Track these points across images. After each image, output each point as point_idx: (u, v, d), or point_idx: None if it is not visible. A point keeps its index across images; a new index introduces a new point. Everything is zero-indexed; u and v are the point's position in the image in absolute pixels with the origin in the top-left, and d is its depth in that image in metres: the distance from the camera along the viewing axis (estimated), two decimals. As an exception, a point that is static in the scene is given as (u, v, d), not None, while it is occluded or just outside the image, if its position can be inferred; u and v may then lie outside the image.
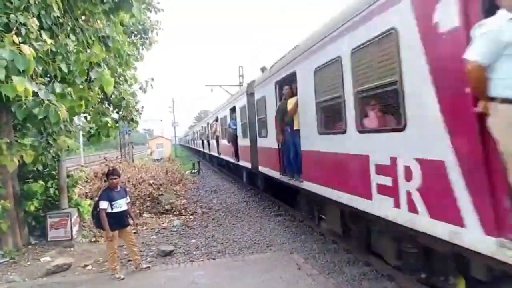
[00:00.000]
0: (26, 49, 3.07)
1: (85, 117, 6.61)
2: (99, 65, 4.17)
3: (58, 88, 3.62)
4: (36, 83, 3.46)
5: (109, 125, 6.03)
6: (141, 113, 7.98)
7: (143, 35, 8.64)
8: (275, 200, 10.13)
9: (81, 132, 9.55)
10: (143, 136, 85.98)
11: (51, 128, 3.71)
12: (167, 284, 4.81)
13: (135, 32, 8.97)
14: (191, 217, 9.23)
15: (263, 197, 11.24)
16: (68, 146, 6.05)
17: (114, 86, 6.11)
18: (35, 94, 3.35)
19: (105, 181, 10.89)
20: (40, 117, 3.25)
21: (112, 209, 5.09)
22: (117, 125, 7.60)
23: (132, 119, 7.66)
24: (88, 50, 4.08)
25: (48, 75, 3.85)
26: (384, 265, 4.84)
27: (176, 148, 48.89)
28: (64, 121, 3.64)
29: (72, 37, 4.20)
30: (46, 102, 3.30)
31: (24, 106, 3.43)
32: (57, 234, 6.90)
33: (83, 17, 4.61)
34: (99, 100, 6.51)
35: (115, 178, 5.23)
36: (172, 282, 4.88)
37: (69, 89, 3.87)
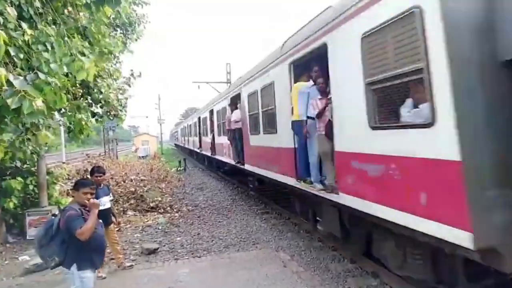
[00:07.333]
0: None
1: (64, 113, 6.41)
2: (83, 54, 4.04)
3: (42, 75, 3.49)
4: (13, 74, 3.32)
5: (83, 122, 5.82)
6: (125, 107, 7.77)
7: (128, 28, 8.43)
8: (262, 198, 10.09)
9: (62, 128, 9.26)
10: (128, 133, 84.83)
11: (27, 120, 3.55)
12: (150, 283, 4.73)
13: (120, 26, 8.74)
14: (176, 214, 9.12)
15: (249, 195, 11.20)
16: (46, 143, 5.83)
17: (95, 80, 5.92)
18: (11, 84, 3.22)
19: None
20: (12, 107, 3.10)
21: None
22: (101, 119, 7.38)
23: (115, 115, 7.46)
24: (68, 41, 3.96)
25: (30, 68, 3.70)
26: (369, 262, 4.88)
27: (162, 145, 48.41)
28: (42, 114, 3.50)
29: (53, 28, 4.05)
30: (22, 92, 3.16)
31: (0, 97, 3.29)
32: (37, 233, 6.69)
33: (64, 10, 4.45)
34: (80, 94, 6.32)
35: (100, 176, 5.12)
36: (156, 280, 4.80)
37: (53, 79, 3.74)
